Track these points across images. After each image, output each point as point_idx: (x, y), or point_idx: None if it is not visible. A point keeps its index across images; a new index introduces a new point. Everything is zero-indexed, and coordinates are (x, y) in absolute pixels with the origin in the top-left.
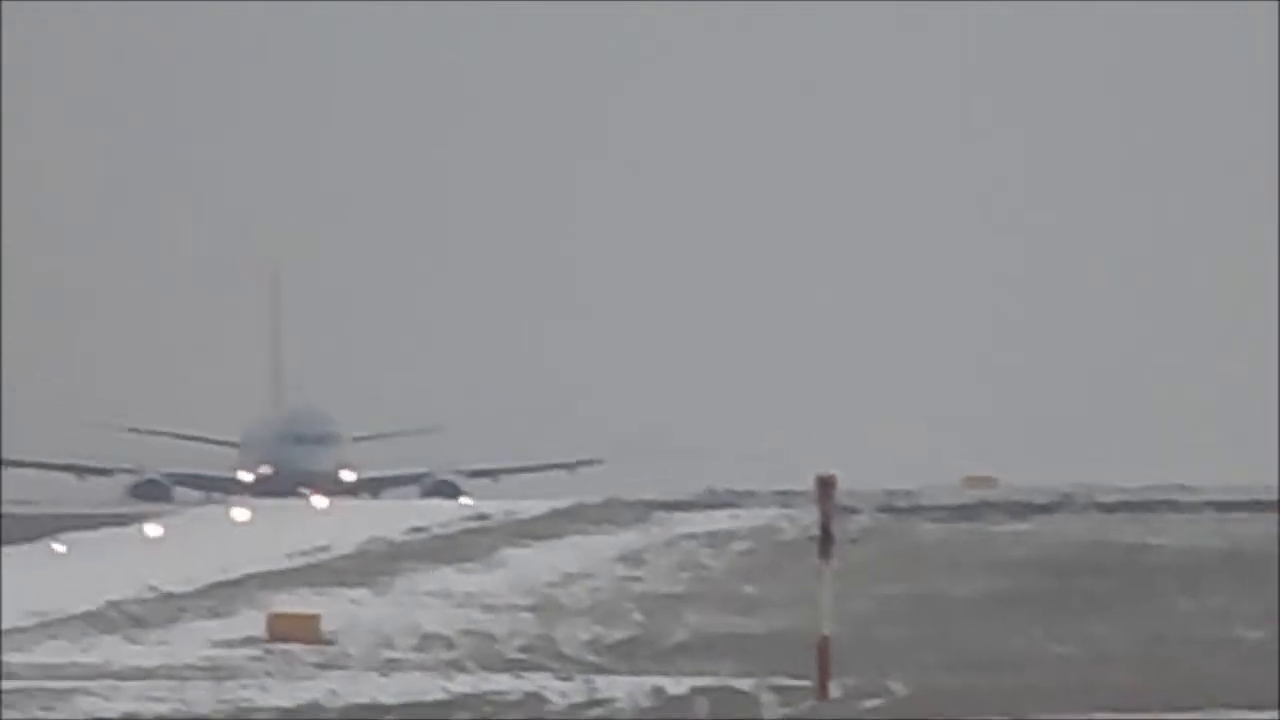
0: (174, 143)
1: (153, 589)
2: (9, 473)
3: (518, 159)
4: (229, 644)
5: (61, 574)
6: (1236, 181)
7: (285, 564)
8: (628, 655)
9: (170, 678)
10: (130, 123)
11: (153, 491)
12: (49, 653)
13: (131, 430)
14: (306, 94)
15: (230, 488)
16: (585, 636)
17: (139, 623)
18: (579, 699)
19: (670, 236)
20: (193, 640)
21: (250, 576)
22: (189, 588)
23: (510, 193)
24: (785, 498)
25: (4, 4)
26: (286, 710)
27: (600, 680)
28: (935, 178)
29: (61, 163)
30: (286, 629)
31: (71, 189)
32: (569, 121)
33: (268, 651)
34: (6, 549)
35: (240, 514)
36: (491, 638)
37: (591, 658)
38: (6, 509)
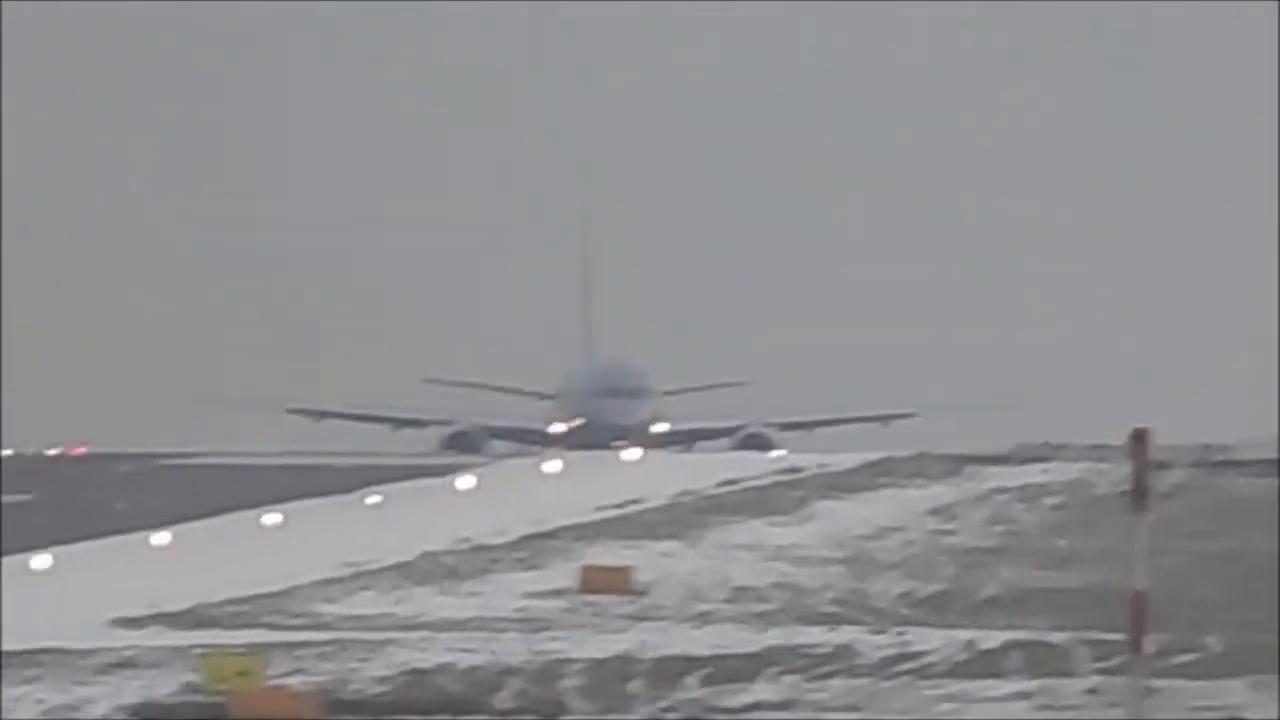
0: (485, 99)
1: (466, 540)
2: (326, 423)
3: (842, 115)
4: (541, 595)
5: (376, 525)
6: None
7: (597, 516)
8: (940, 609)
9: (483, 629)
10: (443, 88)
11: (466, 443)
12: (362, 604)
13: (446, 383)
14: (616, 46)
15: (543, 440)
16: (897, 590)
17: (452, 574)
18: (891, 652)
19: (985, 194)
20: (505, 592)
21: (562, 529)
22: (502, 539)
23: (824, 142)
24: (1098, 452)
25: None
26: (599, 661)
27: (913, 633)
28: (1235, 132)
29: (373, 127)
30: (598, 581)
31: (381, 149)
32: (915, 91)
33: (580, 603)
34: (323, 500)
35: (553, 466)
36: (803, 590)
37: (904, 611)
38: (325, 460)
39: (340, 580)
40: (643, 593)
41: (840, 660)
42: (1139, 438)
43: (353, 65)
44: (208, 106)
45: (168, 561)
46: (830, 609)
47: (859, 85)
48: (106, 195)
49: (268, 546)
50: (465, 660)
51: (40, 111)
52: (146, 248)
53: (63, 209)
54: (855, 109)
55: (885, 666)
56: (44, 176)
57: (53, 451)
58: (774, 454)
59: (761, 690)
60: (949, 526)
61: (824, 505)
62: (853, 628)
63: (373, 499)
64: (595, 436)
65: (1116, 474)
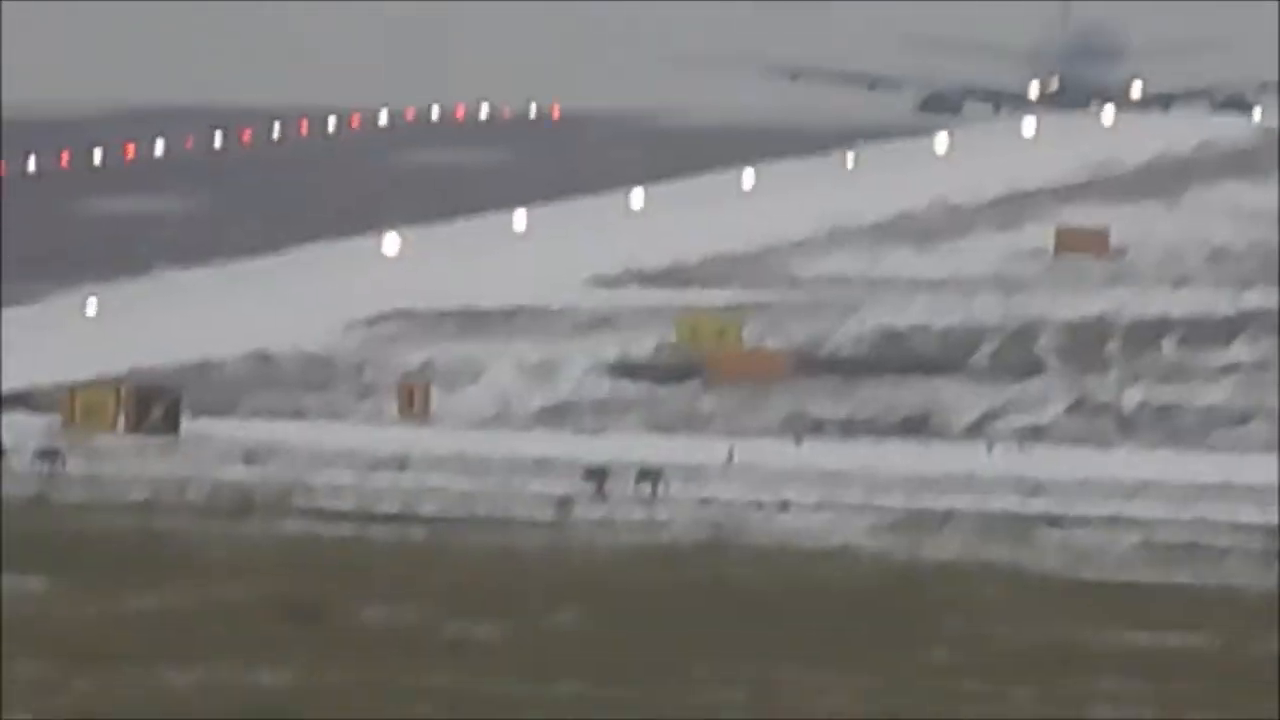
0: None
1: (941, 200)
2: (800, 82)
3: None
4: (1017, 256)
5: (851, 185)
6: None
7: (1075, 177)
8: None
9: (959, 290)
10: None
11: (942, 104)
12: (838, 263)
13: (924, 40)
14: None
15: (1019, 102)
16: None
17: (928, 235)
18: None
19: None
20: (981, 252)
21: (1038, 190)
22: (977, 200)
23: None
24: None
25: None
26: (1073, 322)
27: None
28: None
29: None
30: (1074, 242)
31: None
32: None
33: (1056, 264)
34: (799, 160)
35: (1028, 127)
36: None
37: None
38: (801, 119)
39: (816, 240)
40: (1120, 254)
41: None
42: None
43: None
44: None
45: (645, 221)
46: None
47: None
48: None
49: (745, 206)
50: (941, 320)
51: None
52: None
53: None
54: None
55: None
56: None
57: (531, 112)
58: (1254, 114)
59: (1238, 352)
60: None
61: None
62: None
63: (848, 159)
64: (1072, 97)
65: None
